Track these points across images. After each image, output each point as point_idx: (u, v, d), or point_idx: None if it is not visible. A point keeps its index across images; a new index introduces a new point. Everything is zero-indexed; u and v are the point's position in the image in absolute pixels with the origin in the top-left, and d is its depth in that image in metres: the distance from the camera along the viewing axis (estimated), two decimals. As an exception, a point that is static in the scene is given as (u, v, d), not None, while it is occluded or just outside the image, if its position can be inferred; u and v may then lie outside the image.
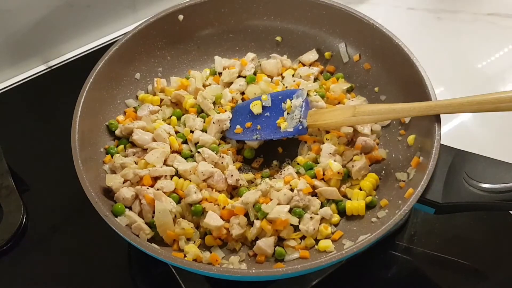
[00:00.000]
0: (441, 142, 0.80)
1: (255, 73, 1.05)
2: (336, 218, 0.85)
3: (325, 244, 0.81)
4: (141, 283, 0.89)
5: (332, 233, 0.84)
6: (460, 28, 1.26)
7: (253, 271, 0.73)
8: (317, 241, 0.84)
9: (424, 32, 1.26)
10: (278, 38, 1.09)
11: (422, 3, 1.31)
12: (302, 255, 0.81)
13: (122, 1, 1.21)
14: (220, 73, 1.06)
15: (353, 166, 0.89)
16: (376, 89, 1.00)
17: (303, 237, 0.84)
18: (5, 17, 1.08)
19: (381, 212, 0.84)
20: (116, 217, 0.80)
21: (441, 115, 0.83)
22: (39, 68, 1.19)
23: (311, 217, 0.84)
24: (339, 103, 1.00)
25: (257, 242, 0.81)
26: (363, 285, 0.88)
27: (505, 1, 1.30)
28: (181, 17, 1.03)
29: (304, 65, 1.07)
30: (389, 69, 0.98)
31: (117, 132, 0.94)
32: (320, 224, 0.84)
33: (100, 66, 0.92)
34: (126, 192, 0.84)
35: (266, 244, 0.81)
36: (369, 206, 0.86)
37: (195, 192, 0.85)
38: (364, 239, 0.73)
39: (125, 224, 0.80)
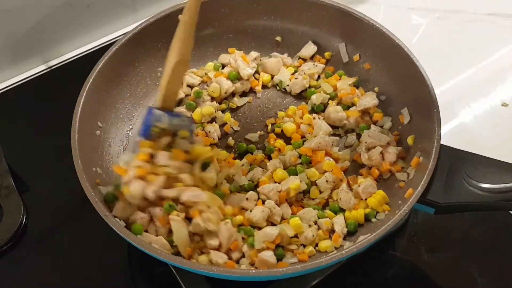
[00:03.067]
0: (441, 142, 0.80)
1: (257, 72, 1.06)
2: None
3: (325, 244, 0.81)
4: (141, 283, 0.89)
5: (330, 236, 0.84)
6: (460, 28, 1.26)
7: (253, 271, 0.73)
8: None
9: (424, 32, 1.26)
10: (278, 38, 1.09)
11: (422, 3, 1.31)
12: (301, 259, 0.80)
13: (122, 1, 1.21)
14: (223, 67, 1.07)
15: (359, 186, 0.87)
16: (376, 89, 1.00)
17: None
18: (5, 17, 1.07)
19: (381, 213, 0.84)
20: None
21: (441, 115, 0.83)
22: (39, 68, 1.19)
23: (309, 225, 0.83)
24: (352, 105, 0.99)
25: (258, 255, 0.79)
26: (363, 285, 0.88)
27: (505, 1, 1.30)
28: (181, 17, 1.03)
29: (304, 60, 1.07)
30: (389, 69, 0.98)
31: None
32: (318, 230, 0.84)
33: (100, 66, 0.92)
34: (140, 217, 0.81)
35: (267, 255, 0.79)
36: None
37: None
38: (364, 239, 0.73)
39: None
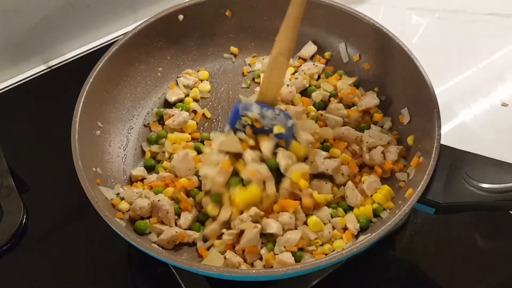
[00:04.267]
0: (441, 142, 0.80)
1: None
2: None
3: (339, 243, 0.81)
4: (141, 283, 0.89)
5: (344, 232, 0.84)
6: (460, 28, 1.26)
7: (253, 271, 0.73)
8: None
9: (424, 32, 1.26)
10: (278, 38, 1.09)
11: (422, 3, 1.31)
12: (318, 259, 0.80)
13: (122, 1, 1.21)
14: None
15: (363, 183, 0.87)
16: (376, 89, 1.00)
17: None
18: (5, 17, 1.07)
19: (384, 211, 0.84)
20: (144, 235, 0.82)
21: (441, 115, 0.83)
22: (39, 68, 1.19)
23: (324, 223, 0.83)
24: (353, 104, 0.99)
25: (277, 257, 0.79)
26: (363, 285, 0.88)
27: (505, 1, 1.30)
28: (181, 17, 1.03)
29: (305, 60, 1.07)
30: (389, 69, 0.98)
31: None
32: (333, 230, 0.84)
33: (100, 66, 0.92)
34: (142, 201, 0.83)
35: (287, 256, 0.78)
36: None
37: None
38: (364, 239, 0.73)
39: (154, 240, 0.81)
